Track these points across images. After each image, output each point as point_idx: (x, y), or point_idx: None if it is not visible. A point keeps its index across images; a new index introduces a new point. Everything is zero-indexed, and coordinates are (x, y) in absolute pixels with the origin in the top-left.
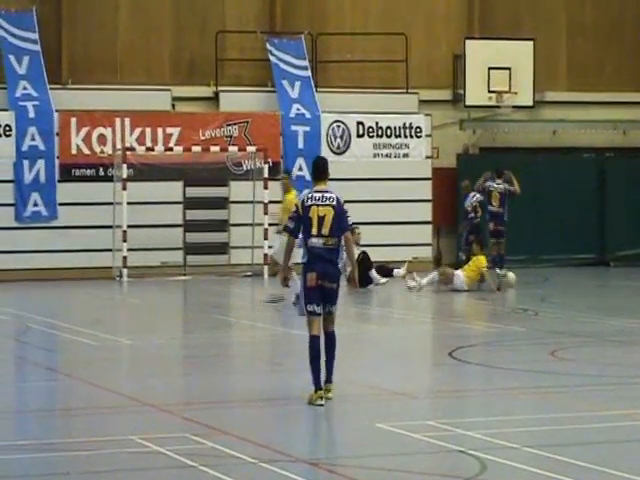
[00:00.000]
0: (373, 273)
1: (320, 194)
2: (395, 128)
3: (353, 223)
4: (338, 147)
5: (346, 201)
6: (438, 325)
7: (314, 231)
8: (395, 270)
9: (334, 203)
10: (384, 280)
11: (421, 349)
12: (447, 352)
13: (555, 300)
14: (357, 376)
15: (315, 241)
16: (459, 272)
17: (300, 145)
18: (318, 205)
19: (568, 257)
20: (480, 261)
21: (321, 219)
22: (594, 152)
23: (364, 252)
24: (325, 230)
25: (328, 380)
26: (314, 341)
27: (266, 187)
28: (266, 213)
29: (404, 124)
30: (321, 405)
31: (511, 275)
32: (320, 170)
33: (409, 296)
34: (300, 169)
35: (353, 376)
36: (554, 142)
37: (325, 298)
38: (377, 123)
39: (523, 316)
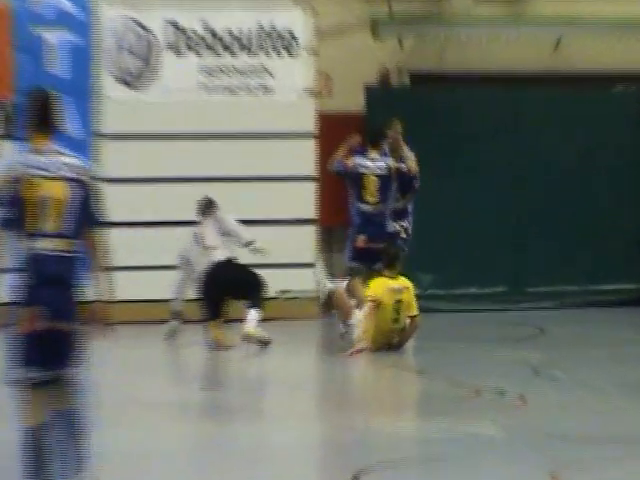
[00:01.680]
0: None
1: (47, 158)
2: (245, 36)
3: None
4: (133, 74)
5: (158, 179)
6: (339, 421)
7: (35, 225)
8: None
9: (75, 176)
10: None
11: (310, 470)
12: (349, 476)
13: (558, 372)
14: None
15: (37, 243)
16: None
17: (55, 68)
18: (44, 178)
19: (585, 288)
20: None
21: (49, 203)
22: (633, 82)
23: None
24: (55, 223)
25: (75, 472)
26: (36, 432)
27: None
28: None
29: (263, 28)
30: None
31: None
32: (43, 113)
33: (290, 362)
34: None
35: None
36: (556, 64)
37: (54, 350)
38: (209, 27)
39: (499, 404)
